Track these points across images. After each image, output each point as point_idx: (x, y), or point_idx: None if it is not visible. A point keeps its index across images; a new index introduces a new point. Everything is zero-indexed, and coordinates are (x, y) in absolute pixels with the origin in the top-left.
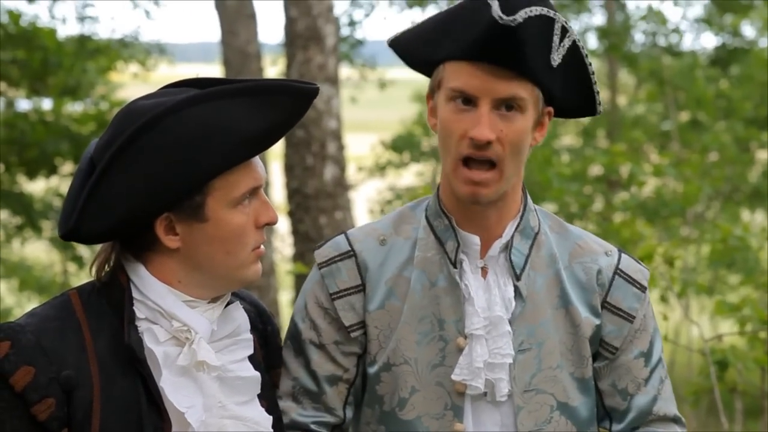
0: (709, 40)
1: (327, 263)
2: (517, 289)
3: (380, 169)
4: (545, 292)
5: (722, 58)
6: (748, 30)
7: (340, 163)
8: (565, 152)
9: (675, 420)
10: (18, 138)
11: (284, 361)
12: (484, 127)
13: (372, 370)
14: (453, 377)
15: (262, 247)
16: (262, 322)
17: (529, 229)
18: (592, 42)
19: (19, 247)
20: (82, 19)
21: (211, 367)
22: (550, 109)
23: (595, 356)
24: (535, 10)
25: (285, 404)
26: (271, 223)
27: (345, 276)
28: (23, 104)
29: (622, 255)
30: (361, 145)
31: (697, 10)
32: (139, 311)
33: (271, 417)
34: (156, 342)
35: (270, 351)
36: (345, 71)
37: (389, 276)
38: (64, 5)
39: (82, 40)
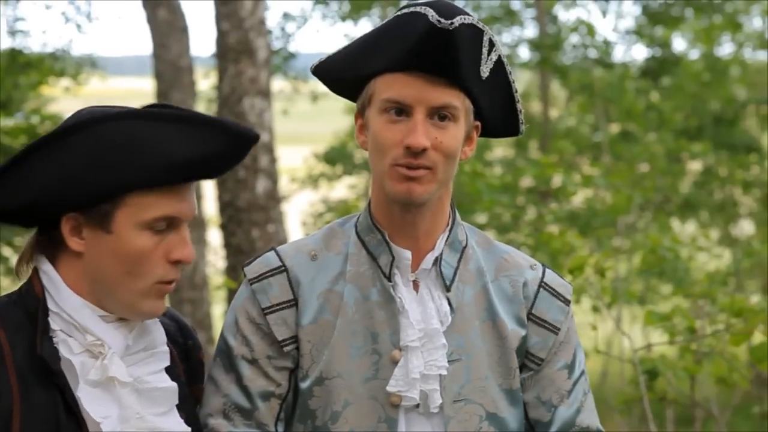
0: (639, 52)
1: (258, 278)
2: (447, 300)
3: (313, 181)
4: (473, 305)
5: (653, 70)
6: (679, 42)
7: (273, 176)
8: (497, 164)
9: None
10: None
11: (213, 378)
12: (419, 135)
13: (304, 384)
14: (388, 389)
15: (171, 285)
16: (183, 336)
17: (458, 243)
18: (524, 54)
19: None
20: (13, 33)
21: (122, 383)
22: (478, 123)
23: (521, 368)
24: (468, 19)
25: (215, 422)
26: (184, 262)
27: (276, 291)
28: None
29: (546, 269)
30: (293, 158)
31: (628, 22)
32: (54, 323)
33: (189, 428)
34: (71, 353)
35: (191, 366)
36: (277, 83)
37: (321, 290)
38: None
39: (14, 54)
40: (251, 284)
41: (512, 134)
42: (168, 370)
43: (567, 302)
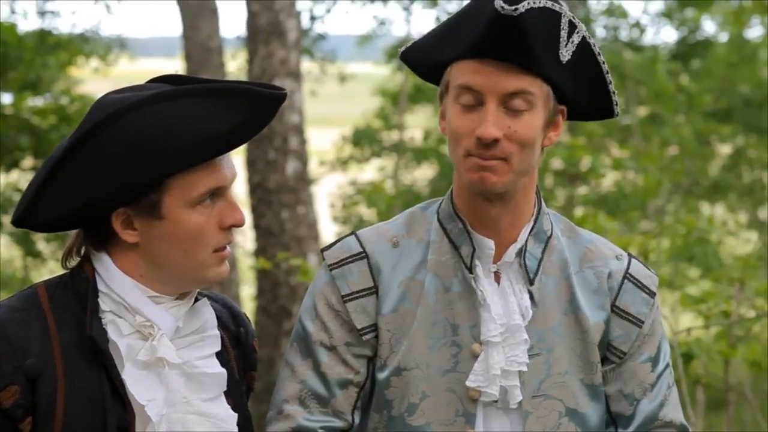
0: (669, 35)
1: (338, 264)
2: (530, 294)
3: (342, 163)
4: (555, 297)
5: (683, 53)
6: (709, 25)
7: (302, 158)
8: None
9: (681, 428)
10: None
11: (289, 363)
12: (489, 125)
13: (382, 374)
14: (468, 383)
15: (227, 249)
16: (235, 324)
17: (543, 233)
18: None
19: None
20: (42, 13)
21: (171, 365)
22: (563, 107)
23: (603, 360)
24: (539, 2)
25: (291, 408)
26: (237, 225)
27: (357, 278)
28: None
29: (632, 260)
30: (321, 140)
31: (658, 4)
32: (104, 303)
33: (236, 414)
34: (119, 334)
35: (243, 353)
36: (305, 65)
37: (402, 279)
38: (24, 0)
39: (43, 35)
40: (331, 270)
41: (606, 116)
42: (218, 355)
43: (652, 294)
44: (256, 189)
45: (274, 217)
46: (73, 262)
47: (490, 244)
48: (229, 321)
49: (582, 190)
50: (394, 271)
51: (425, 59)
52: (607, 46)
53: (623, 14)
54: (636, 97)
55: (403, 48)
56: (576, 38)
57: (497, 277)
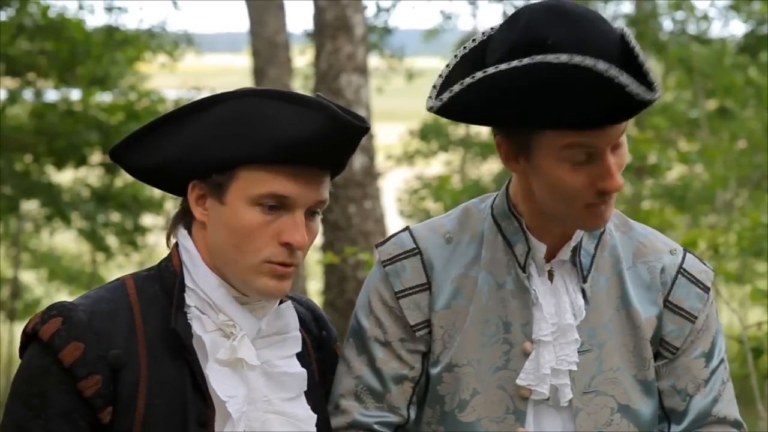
0: (737, 27)
1: (391, 261)
2: (583, 293)
3: (408, 157)
4: (606, 293)
5: (751, 45)
6: None
7: (369, 153)
8: None
9: (735, 424)
10: (46, 128)
11: (345, 358)
12: (616, 178)
13: (435, 370)
14: (518, 382)
15: (287, 268)
16: (318, 327)
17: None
18: None
19: (47, 237)
20: (110, 9)
21: (249, 366)
22: None
23: (655, 356)
24: (650, 64)
25: (347, 403)
26: (294, 245)
27: (410, 274)
28: (51, 95)
29: (687, 254)
30: (388, 135)
31: None
32: (190, 299)
33: (315, 416)
34: (203, 330)
35: (325, 356)
36: (373, 61)
37: (455, 275)
38: None
39: (110, 31)
40: (384, 266)
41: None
42: (299, 356)
43: (707, 289)
44: None
45: (341, 211)
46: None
47: (542, 247)
48: (312, 324)
49: (649, 183)
50: (447, 267)
51: (490, 115)
52: (675, 40)
53: (690, 8)
54: (704, 90)
55: (433, 103)
56: (644, 62)
57: (550, 275)
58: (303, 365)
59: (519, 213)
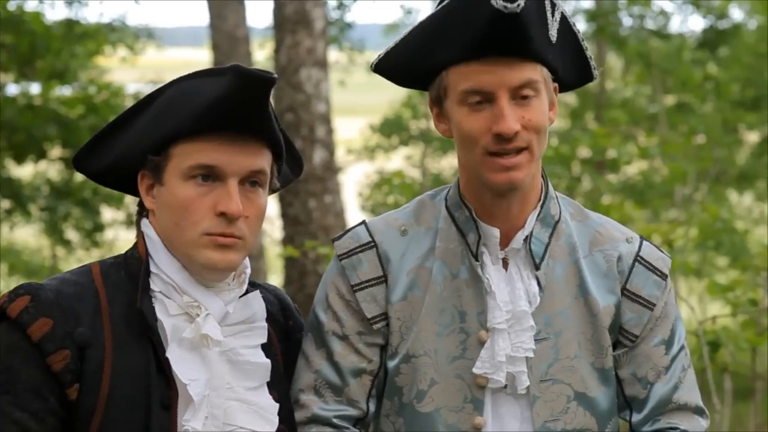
0: (696, 23)
1: (347, 254)
2: (536, 279)
3: (369, 152)
4: (564, 282)
5: (710, 41)
6: (736, 12)
7: (329, 147)
8: (553, 134)
9: (697, 410)
10: (6, 122)
11: (304, 353)
12: (509, 120)
13: (392, 362)
14: (474, 371)
15: (226, 239)
16: (285, 317)
17: (549, 218)
18: (580, 25)
19: (8, 231)
20: (70, 3)
21: (214, 342)
22: (556, 85)
23: (615, 344)
24: None
25: (306, 398)
26: (229, 214)
27: (366, 267)
28: (11, 88)
29: (644, 242)
30: (349, 129)
31: None
32: (154, 284)
33: (278, 405)
34: (166, 314)
35: (292, 347)
36: (333, 55)
37: (411, 267)
38: None
39: (70, 24)
40: (341, 260)
41: (587, 81)
42: (264, 347)
43: (664, 276)
44: None
45: (301, 206)
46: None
47: (495, 232)
48: (279, 314)
49: (609, 178)
50: (402, 260)
51: (410, 67)
52: (635, 35)
53: (647, 2)
54: (663, 85)
55: (375, 60)
56: (557, 15)
57: (505, 263)
58: (267, 356)
59: (469, 201)
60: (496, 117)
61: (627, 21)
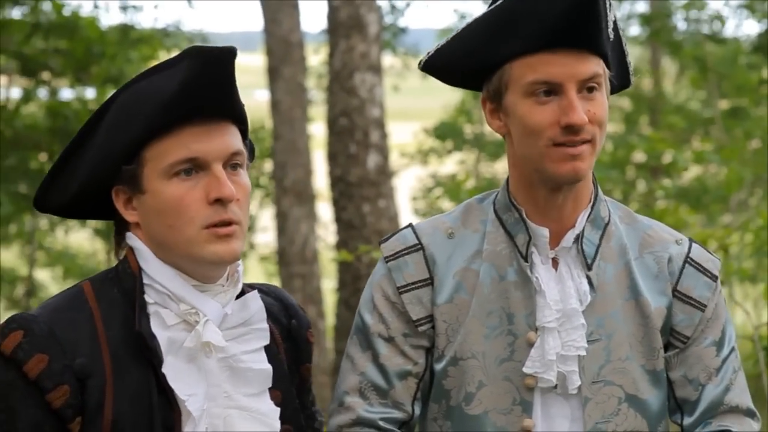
0: (751, 27)
1: (394, 257)
2: (588, 279)
3: (423, 156)
4: (615, 283)
5: (765, 45)
6: None
7: (383, 152)
8: (608, 139)
9: (748, 413)
10: (61, 127)
11: (349, 355)
12: (579, 112)
13: (439, 365)
14: (525, 370)
15: (228, 227)
16: (287, 316)
17: (600, 220)
18: (634, 29)
19: (62, 235)
20: (124, 8)
21: (217, 348)
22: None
23: (666, 346)
24: None
25: (352, 400)
26: (223, 199)
27: (412, 269)
28: (66, 93)
29: (693, 244)
30: (403, 134)
31: None
32: (149, 296)
33: (278, 409)
34: (163, 327)
35: (297, 345)
36: (387, 60)
37: (457, 269)
38: None
39: (125, 30)
40: (387, 262)
41: (625, 87)
42: (267, 349)
43: (714, 278)
44: (337, 182)
45: (355, 210)
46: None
47: (545, 232)
48: (281, 314)
49: (664, 182)
50: (449, 262)
51: (464, 63)
52: (690, 39)
53: (702, 6)
54: (718, 89)
55: (424, 57)
56: (611, 14)
57: (555, 263)
58: (270, 357)
59: (519, 204)
60: (565, 109)
61: (682, 25)
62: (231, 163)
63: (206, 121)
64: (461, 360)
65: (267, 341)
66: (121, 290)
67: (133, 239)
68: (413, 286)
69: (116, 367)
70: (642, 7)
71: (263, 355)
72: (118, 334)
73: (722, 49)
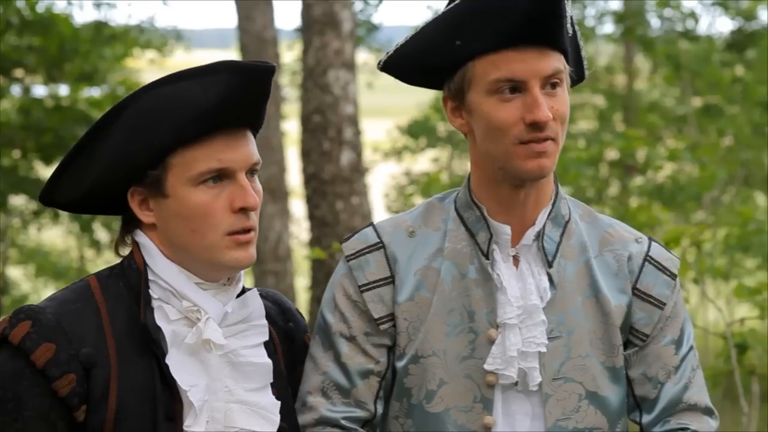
0: (725, 25)
1: (355, 255)
2: (549, 277)
3: (396, 153)
4: (575, 281)
5: (738, 43)
6: (764, 14)
7: (357, 149)
8: (581, 136)
9: (707, 411)
10: (34, 124)
11: (312, 355)
12: (544, 108)
13: (400, 363)
14: (486, 367)
15: (247, 234)
16: (284, 320)
17: (560, 217)
18: (608, 27)
19: (35, 233)
20: (98, 5)
21: (217, 346)
22: None
23: (626, 344)
24: None
25: (314, 400)
26: (248, 209)
27: (374, 268)
28: (40, 90)
29: (653, 243)
30: (377, 131)
31: None
32: (153, 291)
33: (279, 402)
34: (166, 320)
35: (293, 348)
36: (361, 56)
37: (418, 267)
38: None
39: (99, 26)
40: (348, 261)
41: (580, 81)
42: (265, 346)
43: (673, 276)
44: (310, 180)
45: (328, 207)
46: (126, 250)
47: (507, 229)
48: (279, 317)
49: (637, 180)
50: (410, 260)
51: (425, 62)
52: (663, 37)
53: (677, 5)
54: (691, 87)
55: (383, 57)
56: (569, 10)
57: (516, 260)
58: (268, 355)
59: (480, 201)
60: (530, 106)
61: (655, 23)
62: (250, 171)
63: (234, 131)
64: (422, 358)
65: (266, 337)
66: (126, 285)
67: (141, 236)
68: (374, 284)
69: (121, 357)
70: (615, 5)
71: (263, 351)
72: (123, 326)
73: (695, 47)
